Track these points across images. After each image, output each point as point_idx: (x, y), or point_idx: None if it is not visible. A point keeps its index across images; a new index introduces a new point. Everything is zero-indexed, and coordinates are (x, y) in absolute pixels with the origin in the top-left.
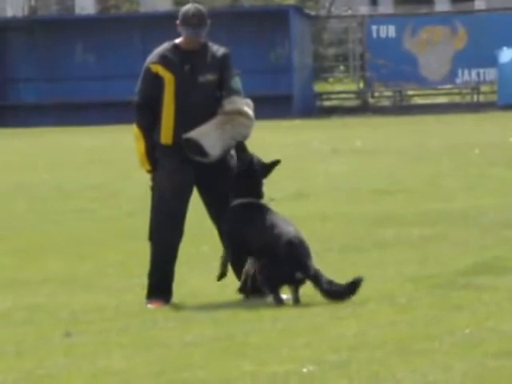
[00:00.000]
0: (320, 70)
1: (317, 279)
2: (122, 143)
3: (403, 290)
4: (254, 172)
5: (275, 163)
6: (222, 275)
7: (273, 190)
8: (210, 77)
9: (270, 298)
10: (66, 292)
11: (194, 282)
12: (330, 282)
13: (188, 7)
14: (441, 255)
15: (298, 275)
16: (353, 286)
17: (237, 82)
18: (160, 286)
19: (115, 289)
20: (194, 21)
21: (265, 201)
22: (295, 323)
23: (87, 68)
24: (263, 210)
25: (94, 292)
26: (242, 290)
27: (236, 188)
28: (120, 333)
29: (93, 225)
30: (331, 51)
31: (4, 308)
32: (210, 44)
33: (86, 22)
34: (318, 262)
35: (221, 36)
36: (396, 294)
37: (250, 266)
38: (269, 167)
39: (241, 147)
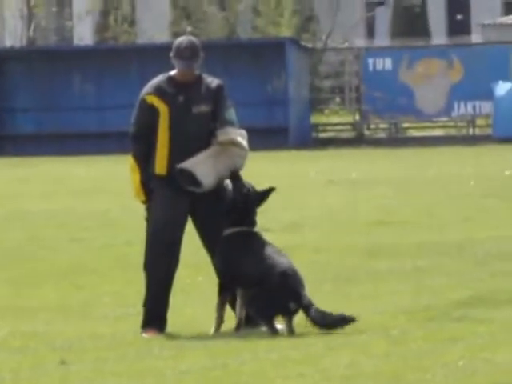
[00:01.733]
0: (316, 102)
1: (308, 309)
2: (119, 173)
3: (396, 322)
4: (247, 200)
5: (269, 191)
6: (219, 327)
7: (267, 220)
8: (204, 108)
9: (264, 328)
10: (62, 320)
11: (189, 312)
12: (322, 312)
13: (181, 40)
14: (435, 287)
15: (292, 306)
16: (344, 320)
17: (231, 114)
18: (155, 315)
19: (111, 317)
20: (187, 54)
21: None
22: (289, 353)
23: (85, 98)
24: (256, 239)
25: (90, 320)
26: (237, 328)
27: (229, 217)
28: (115, 361)
29: (89, 254)
30: (327, 83)
31: (0, 335)
32: (205, 76)
33: (84, 53)
34: (311, 293)
35: (217, 68)
36: (389, 326)
37: (241, 306)
38: (263, 195)
39: (235, 175)
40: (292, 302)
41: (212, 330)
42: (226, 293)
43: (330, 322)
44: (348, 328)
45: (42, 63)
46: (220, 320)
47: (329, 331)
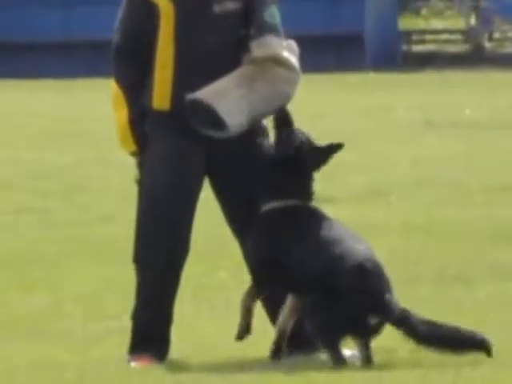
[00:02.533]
0: None
1: (406, 322)
2: (95, 107)
3: None
4: (301, 159)
5: (335, 148)
6: (244, 332)
7: (332, 185)
8: (230, 5)
9: (324, 355)
10: (3, 340)
11: (205, 328)
12: (432, 324)
13: None
14: None
15: (373, 320)
16: (477, 343)
17: (273, 14)
18: (151, 333)
19: (79, 337)
20: None
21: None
22: None
23: None
24: (316, 218)
25: (46, 341)
26: (275, 352)
27: (272, 184)
28: None
29: (48, 235)
30: None
31: None
32: None
33: None
34: (401, 299)
35: None
36: None
37: (287, 314)
38: (324, 153)
39: (282, 117)
40: (372, 314)
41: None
42: (262, 290)
43: (450, 341)
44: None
45: None
46: (245, 327)
47: (443, 353)
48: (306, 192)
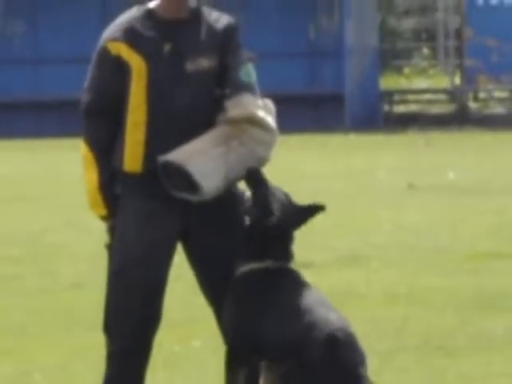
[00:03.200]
0: (390, 55)
1: None
2: (65, 168)
3: None
4: (278, 219)
5: (316, 209)
6: None
7: (311, 250)
8: (204, 63)
9: None
10: None
11: None
12: None
13: None
14: None
15: None
16: None
17: (249, 73)
18: None
19: None
20: None
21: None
22: None
23: (11, 46)
24: (289, 281)
25: None
26: None
27: (249, 245)
28: None
29: (14, 302)
30: (408, 24)
31: None
32: (206, 10)
33: None
34: (382, 370)
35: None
36: None
37: None
38: (305, 215)
39: (256, 178)
40: None
41: None
42: (239, 367)
43: None
44: None
45: None
46: None
47: None
48: (285, 253)
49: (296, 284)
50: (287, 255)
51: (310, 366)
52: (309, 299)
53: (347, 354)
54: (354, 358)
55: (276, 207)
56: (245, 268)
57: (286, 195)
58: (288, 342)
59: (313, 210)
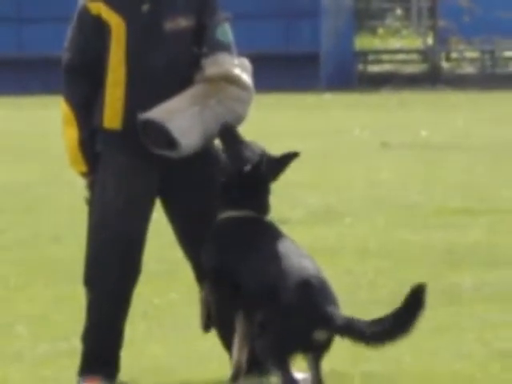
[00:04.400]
0: (365, 15)
1: (351, 329)
2: (46, 124)
3: (487, 373)
4: (260, 173)
5: (290, 157)
6: (208, 323)
7: (287, 205)
8: (182, 22)
9: (274, 377)
10: None
11: (156, 349)
12: (373, 322)
13: None
14: None
15: (319, 334)
16: (410, 308)
17: (225, 32)
18: (101, 354)
19: (30, 357)
20: None
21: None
22: None
23: None
24: (266, 231)
25: None
26: (234, 378)
27: (230, 195)
28: None
29: None
30: None
31: None
32: None
33: None
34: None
35: None
36: (476, 379)
37: (240, 345)
38: (279, 164)
39: (230, 132)
40: (318, 329)
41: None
42: (216, 292)
43: (395, 329)
44: (411, 381)
45: None
46: (205, 318)
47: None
48: (262, 205)
49: (272, 233)
50: (264, 207)
51: (284, 309)
52: (284, 247)
53: (320, 297)
54: (327, 300)
55: (251, 156)
56: (223, 215)
57: (261, 147)
58: (264, 287)
59: (287, 157)
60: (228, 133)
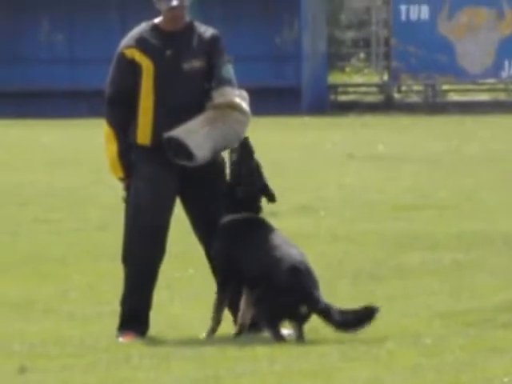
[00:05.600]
0: (336, 58)
1: (327, 313)
2: (93, 141)
3: (430, 328)
4: (255, 179)
5: (272, 197)
6: (214, 328)
7: (274, 203)
8: (196, 63)
9: (267, 333)
10: (22, 318)
11: (177, 312)
12: (343, 313)
13: None
14: (477, 286)
15: (303, 309)
16: (368, 312)
17: (228, 71)
18: (135, 315)
19: (80, 317)
20: None
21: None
22: (297, 364)
23: (53, 49)
24: (261, 227)
25: (55, 320)
26: (238, 334)
27: (230, 202)
28: (85, 371)
29: (56, 239)
30: (350, 35)
31: None
32: (197, 24)
33: None
34: (326, 292)
35: (214, 14)
36: (421, 333)
37: (245, 309)
38: (267, 190)
39: (246, 148)
40: (302, 306)
41: (205, 334)
42: (226, 290)
43: (356, 322)
44: (370, 335)
45: (3, 6)
46: (217, 321)
47: (356, 332)
48: (256, 207)
49: (266, 229)
50: (258, 208)
51: (276, 290)
52: (276, 239)
53: (306, 280)
54: (311, 284)
55: (256, 167)
56: (227, 218)
57: (264, 179)
58: (261, 271)
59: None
60: (246, 149)
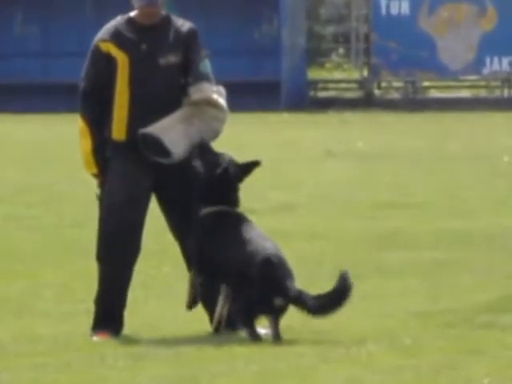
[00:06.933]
0: (315, 53)
1: (302, 301)
2: (68, 136)
3: (409, 329)
4: (228, 176)
5: (253, 165)
6: (192, 303)
7: (252, 200)
8: (172, 58)
9: (243, 333)
10: None
11: (152, 311)
12: (317, 298)
13: None
14: (457, 286)
15: (278, 301)
16: (342, 289)
17: (206, 66)
18: (109, 314)
19: (53, 315)
20: None
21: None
22: (274, 365)
23: (27, 43)
24: (238, 221)
25: (28, 318)
26: (215, 331)
27: (206, 194)
28: (58, 370)
29: (29, 236)
30: (329, 30)
31: None
32: (173, 18)
33: None
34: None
35: (191, 7)
36: (399, 334)
37: (222, 303)
38: (245, 169)
39: (205, 147)
40: (277, 298)
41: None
42: (201, 275)
43: (332, 305)
44: (348, 336)
45: None
46: (192, 299)
47: (336, 311)
48: (233, 200)
49: (241, 222)
50: (235, 202)
51: (250, 284)
52: (250, 233)
53: (279, 272)
54: (285, 275)
55: (221, 163)
56: (203, 211)
57: (231, 158)
58: (235, 264)
59: (251, 164)
60: (203, 147)
